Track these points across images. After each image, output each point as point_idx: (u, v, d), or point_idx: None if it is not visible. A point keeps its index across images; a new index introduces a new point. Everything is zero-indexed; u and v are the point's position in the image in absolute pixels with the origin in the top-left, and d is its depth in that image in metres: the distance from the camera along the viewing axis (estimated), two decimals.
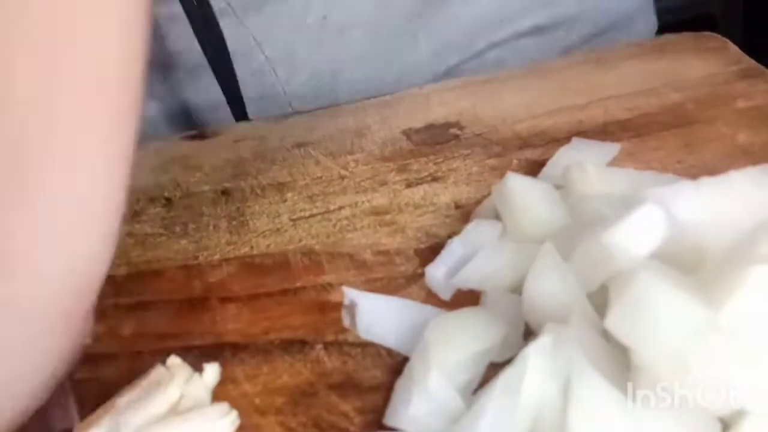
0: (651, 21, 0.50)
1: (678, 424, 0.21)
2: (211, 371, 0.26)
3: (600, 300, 0.24)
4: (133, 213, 0.37)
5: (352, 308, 0.28)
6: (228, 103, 0.44)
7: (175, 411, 0.24)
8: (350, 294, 0.29)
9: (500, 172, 0.33)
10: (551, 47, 0.47)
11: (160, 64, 0.44)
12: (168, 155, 0.41)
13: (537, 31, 0.47)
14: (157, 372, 0.25)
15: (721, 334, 0.20)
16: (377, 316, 0.28)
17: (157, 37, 0.43)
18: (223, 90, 0.43)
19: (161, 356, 0.28)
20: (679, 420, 0.21)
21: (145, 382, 0.25)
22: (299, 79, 0.45)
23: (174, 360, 0.26)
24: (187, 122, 0.47)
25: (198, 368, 0.26)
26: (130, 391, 0.25)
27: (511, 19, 0.46)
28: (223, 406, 0.25)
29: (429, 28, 0.45)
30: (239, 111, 0.44)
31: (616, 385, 0.21)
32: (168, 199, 0.37)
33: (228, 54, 0.42)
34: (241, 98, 0.44)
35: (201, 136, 0.42)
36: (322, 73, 0.45)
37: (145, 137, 0.43)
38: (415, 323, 0.27)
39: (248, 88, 0.44)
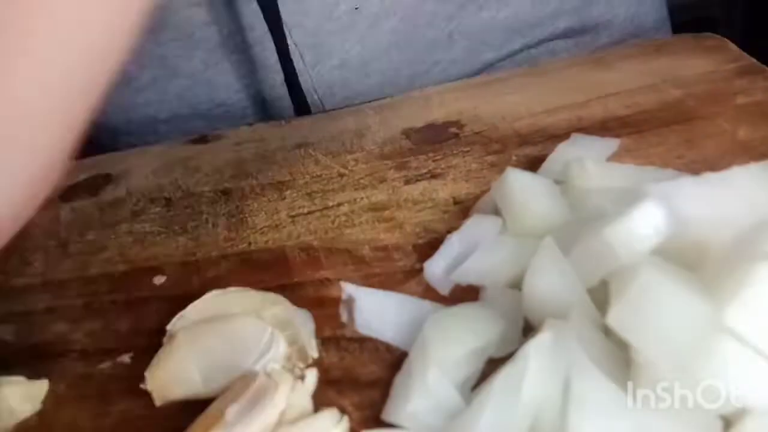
0: (668, 35, 0.51)
1: (678, 423, 0.20)
2: (312, 377, 0.25)
3: (600, 296, 0.24)
4: (132, 213, 0.37)
5: (350, 303, 0.28)
6: (288, 89, 0.44)
7: (283, 421, 0.24)
8: (348, 289, 0.29)
9: (499, 169, 0.33)
10: (582, 49, 0.47)
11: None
12: (170, 158, 0.41)
13: (569, 33, 0.47)
14: (262, 381, 0.24)
15: (723, 331, 0.20)
16: (375, 311, 0.28)
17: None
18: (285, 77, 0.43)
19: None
20: (680, 418, 0.20)
21: (250, 393, 0.24)
22: (326, 66, 0.44)
23: (275, 367, 0.25)
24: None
25: None
26: (233, 401, 0.24)
27: (545, 22, 0.47)
28: (333, 412, 0.24)
29: (464, 27, 0.45)
30: (299, 100, 0.44)
31: (617, 382, 0.21)
32: (168, 199, 0.37)
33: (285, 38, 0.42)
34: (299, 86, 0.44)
35: (203, 139, 0.42)
36: (351, 61, 0.44)
37: (148, 141, 0.44)
38: (414, 318, 0.26)
39: (275, 73, 0.44)
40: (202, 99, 0.46)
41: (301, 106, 0.44)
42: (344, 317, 0.28)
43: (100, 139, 0.50)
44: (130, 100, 0.47)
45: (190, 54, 0.44)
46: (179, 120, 0.47)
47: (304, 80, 0.44)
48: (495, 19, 0.45)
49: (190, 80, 0.45)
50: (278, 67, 0.43)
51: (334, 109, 0.43)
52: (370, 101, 0.42)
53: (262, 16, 0.41)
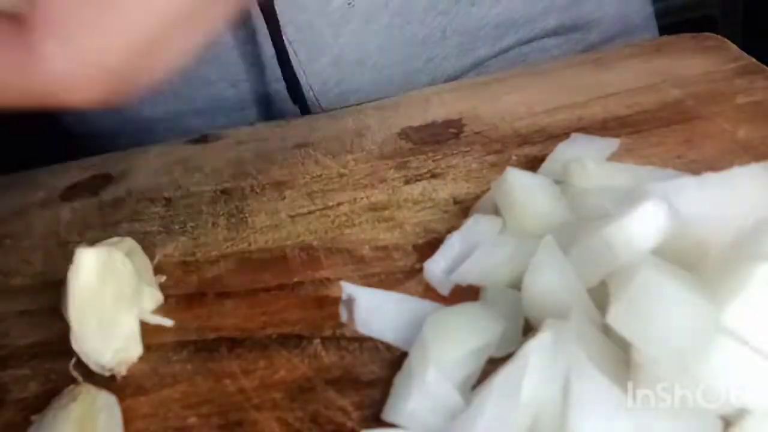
0: (655, 33, 0.52)
1: (678, 423, 0.20)
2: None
3: (600, 296, 0.24)
4: (132, 213, 0.37)
5: (350, 303, 0.28)
6: (286, 85, 0.44)
7: None
8: (348, 289, 0.29)
9: (499, 168, 0.33)
10: (572, 47, 0.48)
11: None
12: (170, 158, 0.41)
13: (560, 30, 0.48)
14: None
15: (723, 331, 0.20)
16: (375, 311, 0.27)
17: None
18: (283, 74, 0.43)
19: (158, 351, 0.28)
20: (680, 418, 0.20)
21: None
22: (321, 63, 0.44)
23: None
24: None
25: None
26: None
27: (537, 19, 0.47)
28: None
29: (457, 24, 0.45)
30: (296, 94, 0.44)
31: (617, 382, 0.21)
32: (168, 199, 0.37)
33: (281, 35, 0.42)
34: (297, 81, 0.44)
35: (203, 139, 0.42)
36: (346, 58, 0.44)
37: (146, 141, 0.44)
38: (414, 318, 0.26)
39: (269, 70, 0.44)
40: (198, 96, 0.46)
41: (301, 104, 0.44)
42: (344, 317, 0.28)
43: (101, 141, 0.50)
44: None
45: None
46: (177, 118, 0.47)
47: (299, 77, 0.44)
48: (487, 15, 0.45)
49: (185, 77, 0.45)
50: (274, 63, 0.43)
51: (332, 109, 0.43)
52: (367, 99, 0.42)
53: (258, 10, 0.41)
